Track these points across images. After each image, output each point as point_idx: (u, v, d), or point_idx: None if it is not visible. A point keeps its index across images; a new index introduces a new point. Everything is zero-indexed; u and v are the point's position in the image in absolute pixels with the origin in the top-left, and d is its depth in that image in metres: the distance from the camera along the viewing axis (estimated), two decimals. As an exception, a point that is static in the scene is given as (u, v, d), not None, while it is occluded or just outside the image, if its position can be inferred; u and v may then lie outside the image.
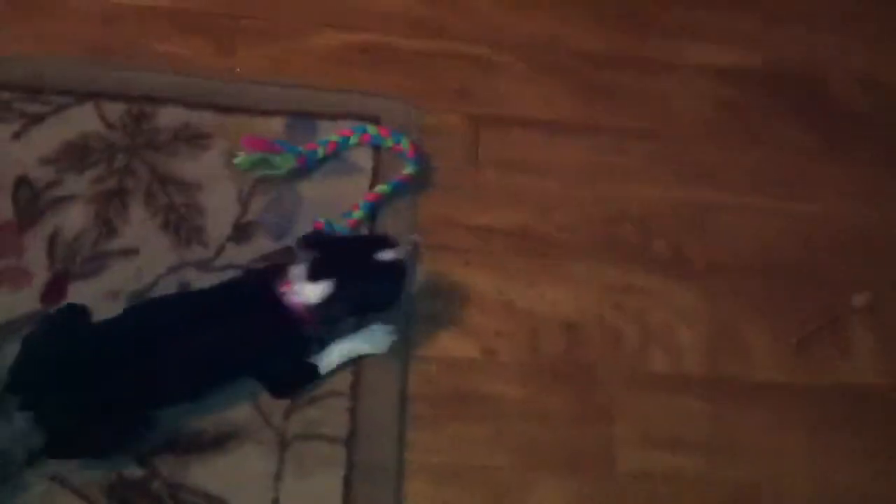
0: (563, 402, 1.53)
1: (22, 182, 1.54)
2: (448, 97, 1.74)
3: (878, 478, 1.54)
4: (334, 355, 1.46)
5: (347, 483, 1.42)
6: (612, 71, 1.81)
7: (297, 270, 1.37)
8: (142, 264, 1.51)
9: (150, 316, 1.37)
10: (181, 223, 1.55)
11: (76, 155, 1.58)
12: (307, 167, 1.60)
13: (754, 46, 1.88)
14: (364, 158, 1.64)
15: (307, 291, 1.36)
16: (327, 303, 1.36)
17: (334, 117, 1.66)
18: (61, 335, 1.34)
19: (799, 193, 1.75)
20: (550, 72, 1.80)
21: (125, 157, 1.59)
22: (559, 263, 1.63)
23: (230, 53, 1.72)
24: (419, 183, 1.63)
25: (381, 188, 1.60)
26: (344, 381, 1.48)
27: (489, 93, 1.75)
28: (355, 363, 1.49)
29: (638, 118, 1.78)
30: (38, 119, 1.59)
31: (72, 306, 1.40)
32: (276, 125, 1.65)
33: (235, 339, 1.36)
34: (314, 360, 1.45)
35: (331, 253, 1.39)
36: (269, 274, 1.40)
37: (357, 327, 1.48)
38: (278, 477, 1.41)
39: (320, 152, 1.61)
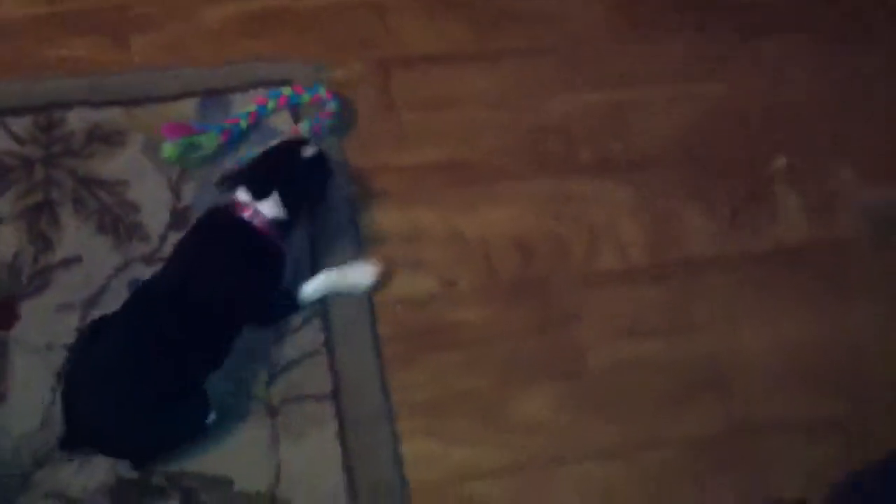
0: (527, 315, 1.59)
1: (-58, 213, 1.51)
2: (351, 48, 1.75)
3: (823, 320, 1.65)
4: (320, 283, 1.49)
5: (342, 436, 1.45)
6: (502, -3, 1.85)
7: (243, 195, 1.41)
8: (87, 271, 1.49)
9: (154, 293, 1.37)
10: (117, 222, 1.53)
11: (-6, 175, 1.54)
12: (232, 142, 1.59)
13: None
14: (285, 122, 1.64)
15: (264, 208, 1.40)
16: (283, 210, 1.41)
17: (245, 89, 1.66)
18: (91, 365, 1.33)
19: (700, 76, 1.83)
20: (443, 7, 1.82)
21: (43, 168, 1.55)
22: (494, 186, 1.68)
23: (125, 46, 1.69)
24: (342, 131, 1.64)
25: (302, 125, 1.61)
26: (317, 340, 1.50)
27: (390, 37, 1.77)
28: (323, 318, 1.51)
29: (536, 38, 1.82)
30: (-57, 147, 1.55)
31: (82, 330, 1.40)
32: (188, 108, 1.63)
33: (235, 279, 1.40)
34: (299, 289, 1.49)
35: (258, 170, 1.44)
36: (223, 210, 1.43)
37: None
38: (274, 444, 1.43)
39: (242, 124, 1.60)
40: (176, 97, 1.64)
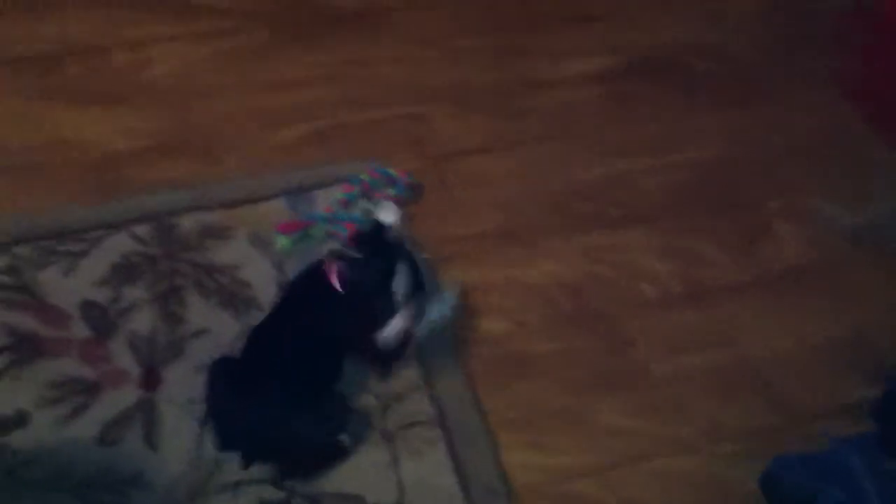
0: (592, 342, 1.85)
1: (87, 304, 1.75)
2: (402, 149, 2.08)
3: (839, 320, 1.92)
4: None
5: (452, 451, 1.66)
6: (516, 96, 2.21)
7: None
8: (215, 338, 1.73)
9: (269, 331, 1.61)
10: (234, 298, 1.79)
11: (125, 272, 1.80)
12: (333, 225, 1.89)
13: (612, 51, 2.34)
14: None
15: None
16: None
17: (325, 185, 1.96)
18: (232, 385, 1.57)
19: (690, 146, 2.18)
20: (472, 111, 2.18)
21: (167, 262, 1.82)
22: (540, 244, 1.98)
23: (218, 164, 2.00)
24: (409, 209, 1.94)
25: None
26: (416, 376, 1.73)
27: (434, 136, 2.10)
28: (418, 359, 1.75)
29: (549, 125, 2.18)
30: (82, 255, 1.81)
31: (216, 363, 1.62)
32: (279, 205, 1.93)
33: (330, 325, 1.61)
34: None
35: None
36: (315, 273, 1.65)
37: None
38: (395, 464, 1.64)
39: (336, 209, 1.91)
40: (267, 198, 1.94)
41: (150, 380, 1.68)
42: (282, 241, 1.86)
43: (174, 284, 1.80)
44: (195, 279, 1.81)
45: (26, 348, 1.69)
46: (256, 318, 1.75)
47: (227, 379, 1.58)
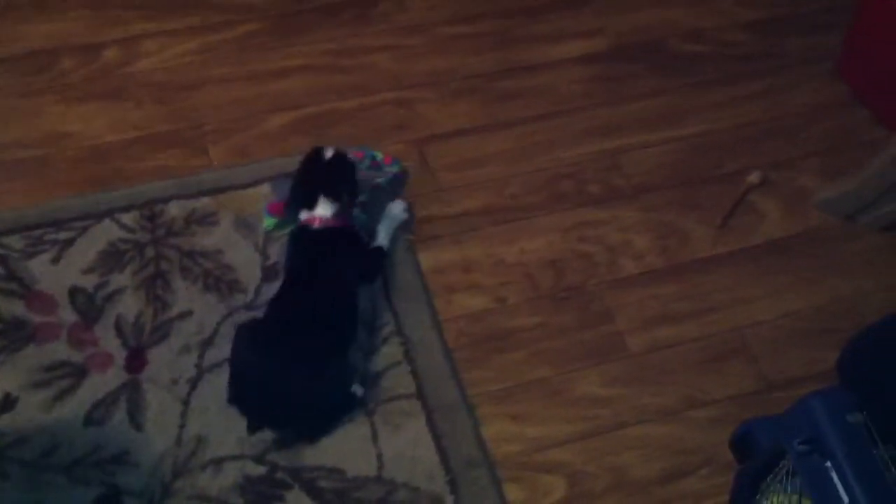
0: (570, 318, 1.87)
1: (75, 290, 1.80)
2: (389, 133, 2.11)
3: (816, 290, 1.94)
4: (382, 234, 1.87)
5: (432, 425, 1.69)
6: (502, 81, 2.23)
7: (304, 214, 1.80)
8: (199, 320, 1.78)
9: (285, 295, 1.72)
10: (219, 282, 1.83)
11: (112, 259, 1.84)
12: None
13: (598, 33, 2.34)
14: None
15: (321, 212, 1.78)
16: (332, 205, 1.78)
17: (308, 171, 2.00)
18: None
19: (677, 122, 2.19)
20: (458, 94, 2.20)
21: (153, 248, 1.86)
22: (525, 223, 2.00)
23: (204, 154, 2.04)
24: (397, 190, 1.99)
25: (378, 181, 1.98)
26: (397, 353, 1.77)
27: (419, 121, 2.13)
28: (400, 333, 1.79)
29: (538, 107, 2.19)
30: (69, 243, 1.85)
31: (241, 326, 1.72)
32: (264, 190, 1.97)
33: (340, 257, 1.76)
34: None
35: (301, 187, 1.83)
36: (303, 228, 1.79)
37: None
38: (375, 437, 1.67)
39: None
40: (252, 184, 1.98)
41: (136, 362, 1.72)
42: (268, 221, 1.90)
43: (160, 269, 1.84)
44: (181, 264, 1.85)
45: (16, 335, 1.74)
46: (239, 300, 1.81)
47: (251, 341, 1.66)
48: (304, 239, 1.78)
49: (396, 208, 1.92)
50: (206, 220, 1.91)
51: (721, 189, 2.08)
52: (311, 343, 1.64)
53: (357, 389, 1.70)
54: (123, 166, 2.01)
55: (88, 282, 1.81)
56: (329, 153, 1.83)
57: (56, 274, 1.82)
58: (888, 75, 2.15)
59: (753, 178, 2.09)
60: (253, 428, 1.64)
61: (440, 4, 2.38)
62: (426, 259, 1.91)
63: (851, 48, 2.25)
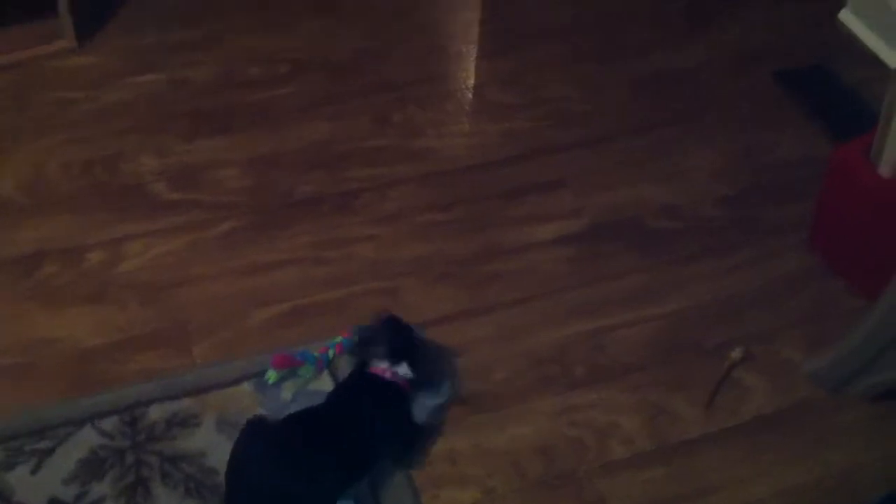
0: (561, 505, 1.83)
1: (54, 502, 1.75)
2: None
3: (811, 463, 1.91)
4: (423, 412, 1.91)
5: None
6: (481, 265, 2.26)
7: (380, 363, 1.87)
8: (180, 528, 1.73)
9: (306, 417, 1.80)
10: (200, 486, 1.79)
11: (92, 467, 1.81)
12: (322, 369, 1.99)
13: (576, 214, 2.40)
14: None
15: (398, 370, 1.85)
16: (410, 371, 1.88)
17: (291, 366, 2.00)
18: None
19: (658, 300, 2.21)
20: (439, 280, 2.23)
21: (133, 454, 1.84)
22: (511, 409, 1.98)
23: (187, 352, 2.04)
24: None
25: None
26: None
27: (401, 309, 2.13)
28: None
29: (517, 290, 2.21)
30: (48, 452, 1.83)
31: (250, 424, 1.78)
32: (246, 388, 1.96)
33: (372, 420, 1.80)
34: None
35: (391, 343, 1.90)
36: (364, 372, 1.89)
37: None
38: None
39: (330, 353, 1.99)
40: (235, 382, 1.97)
41: (115, 576, 1.67)
42: (271, 375, 1.95)
43: (140, 476, 1.80)
44: (162, 470, 1.81)
45: (-9, 553, 1.70)
46: (222, 505, 1.77)
47: (259, 439, 1.75)
48: (365, 379, 1.86)
49: (445, 386, 1.97)
50: (189, 422, 1.90)
51: (706, 365, 2.07)
52: (319, 459, 1.70)
53: None
54: (107, 369, 2.01)
55: (68, 492, 1.77)
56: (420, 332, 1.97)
57: (35, 485, 1.78)
58: (855, 248, 2.20)
59: (736, 354, 2.09)
60: None
61: (419, 192, 2.44)
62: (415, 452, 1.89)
63: (819, 221, 2.30)
